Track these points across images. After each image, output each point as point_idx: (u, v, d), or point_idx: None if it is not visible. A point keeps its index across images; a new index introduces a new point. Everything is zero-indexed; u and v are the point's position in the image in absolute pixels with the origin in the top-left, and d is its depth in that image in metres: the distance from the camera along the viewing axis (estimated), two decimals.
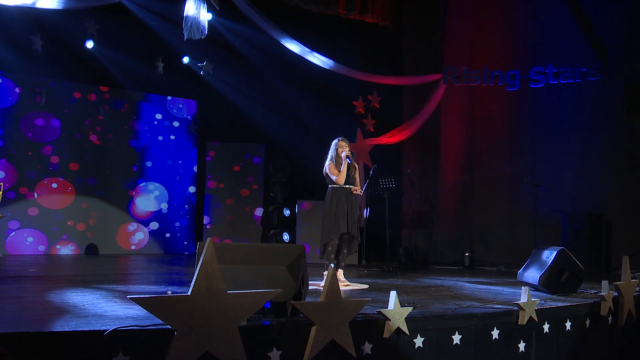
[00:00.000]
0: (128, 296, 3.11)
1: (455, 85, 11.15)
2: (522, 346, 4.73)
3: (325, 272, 6.57)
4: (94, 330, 3.34)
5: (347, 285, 6.62)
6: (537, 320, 4.77)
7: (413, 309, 4.35)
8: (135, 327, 3.42)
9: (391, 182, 9.69)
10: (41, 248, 10.31)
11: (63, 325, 3.57)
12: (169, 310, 3.08)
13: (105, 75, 10.67)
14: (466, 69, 11.07)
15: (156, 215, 11.48)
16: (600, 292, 5.51)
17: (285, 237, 10.71)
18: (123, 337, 3.31)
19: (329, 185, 6.93)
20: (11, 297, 4.91)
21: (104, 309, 4.34)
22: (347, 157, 6.76)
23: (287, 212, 10.88)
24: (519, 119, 11.05)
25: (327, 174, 6.92)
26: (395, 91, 11.48)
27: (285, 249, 4.28)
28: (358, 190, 6.98)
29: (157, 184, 11.51)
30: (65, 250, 10.51)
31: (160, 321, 3.13)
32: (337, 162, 6.84)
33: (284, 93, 11.38)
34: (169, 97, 11.76)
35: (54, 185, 10.54)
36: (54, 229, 10.45)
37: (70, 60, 10.19)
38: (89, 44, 10.38)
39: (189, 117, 11.94)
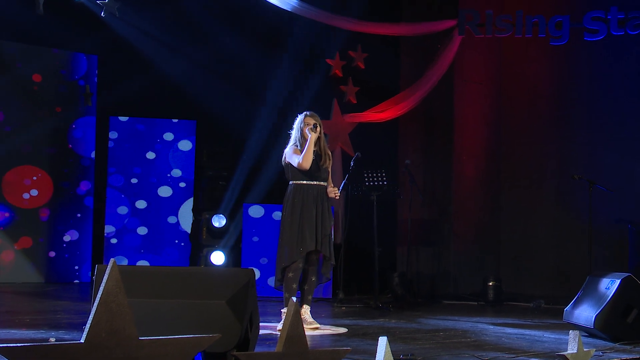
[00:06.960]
0: None
1: (477, 36, 11.19)
2: None
3: (284, 310, 6.59)
4: None
5: (316, 328, 6.65)
6: None
7: None
8: None
9: (382, 177, 9.70)
10: None
11: None
12: None
13: None
14: (492, 14, 11.09)
15: (31, 226, 11.35)
16: None
17: (218, 258, 10.55)
18: None
19: (290, 182, 6.95)
20: None
21: None
22: (311, 130, 6.76)
23: (220, 222, 10.76)
24: (568, 86, 11.16)
25: (287, 163, 6.93)
26: (388, 45, 11.50)
27: (226, 276, 4.29)
28: (335, 192, 6.98)
29: (33, 179, 11.38)
30: None
31: None
32: (303, 146, 6.85)
33: (226, 47, 11.31)
34: (55, 50, 11.64)
35: None
36: None
37: None
38: None
39: (82, 80, 11.84)
